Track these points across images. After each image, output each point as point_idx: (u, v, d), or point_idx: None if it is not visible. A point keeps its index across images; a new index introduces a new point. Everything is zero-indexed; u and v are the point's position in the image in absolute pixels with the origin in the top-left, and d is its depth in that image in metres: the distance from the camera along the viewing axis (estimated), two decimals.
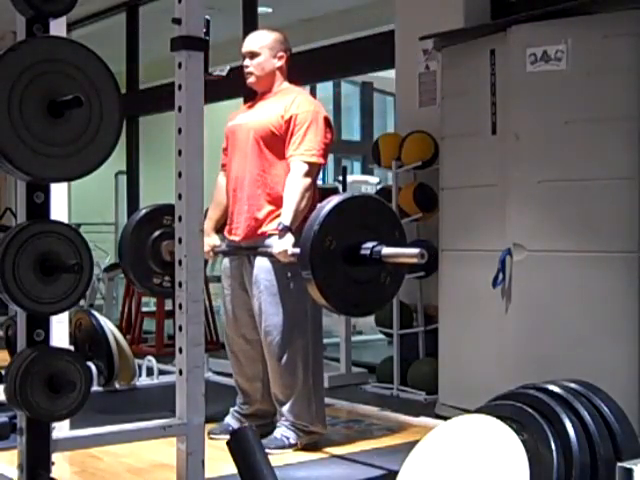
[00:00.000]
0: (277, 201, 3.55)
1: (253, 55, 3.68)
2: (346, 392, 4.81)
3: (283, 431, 3.62)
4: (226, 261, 3.80)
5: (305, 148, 3.51)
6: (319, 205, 2.91)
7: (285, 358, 3.58)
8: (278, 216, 3.51)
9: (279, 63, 3.69)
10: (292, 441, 3.61)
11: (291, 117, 3.54)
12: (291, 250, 3.32)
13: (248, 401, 3.81)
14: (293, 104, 3.57)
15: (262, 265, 3.57)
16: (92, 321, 4.86)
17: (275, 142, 3.56)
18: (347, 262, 2.85)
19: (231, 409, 3.87)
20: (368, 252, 2.83)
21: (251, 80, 3.71)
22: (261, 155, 3.59)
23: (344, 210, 2.88)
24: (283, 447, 3.58)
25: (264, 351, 3.63)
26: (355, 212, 2.91)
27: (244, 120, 3.71)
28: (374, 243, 2.84)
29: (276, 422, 3.70)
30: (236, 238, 3.65)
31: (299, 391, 3.60)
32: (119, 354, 4.83)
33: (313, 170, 3.52)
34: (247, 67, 3.70)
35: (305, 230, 2.84)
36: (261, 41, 3.69)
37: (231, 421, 3.81)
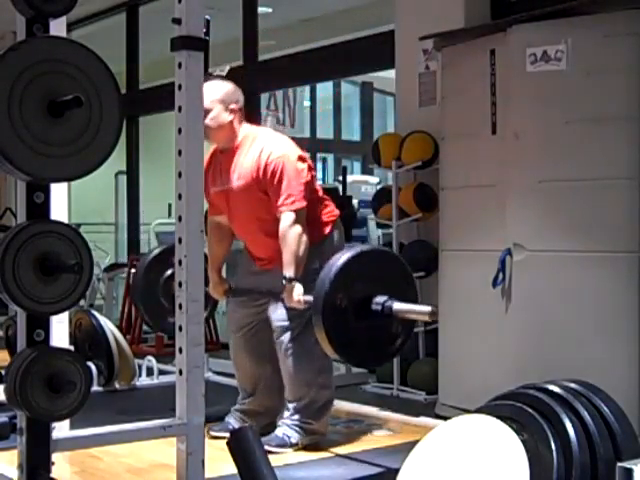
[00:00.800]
0: None
1: (205, 113, 3.53)
2: (346, 392, 4.80)
3: (285, 430, 3.63)
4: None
5: (284, 198, 3.49)
6: (330, 261, 2.97)
7: (296, 358, 3.58)
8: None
9: (232, 115, 3.60)
10: (293, 440, 3.61)
11: (265, 171, 3.50)
12: (303, 298, 3.37)
13: (250, 395, 3.81)
14: (262, 155, 3.52)
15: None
16: (92, 321, 4.86)
17: (260, 190, 3.55)
18: (358, 317, 2.93)
19: (232, 408, 3.87)
20: (379, 308, 2.91)
21: (208, 137, 3.54)
22: (255, 209, 3.60)
23: (354, 265, 2.93)
24: (284, 446, 3.58)
25: (276, 350, 3.64)
26: (365, 266, 2.97)
27: (224, 186, 3.65)
28: (385, 298, 2.91)
29: (278, 421, 3.70)
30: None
31: (308, 391, 3.60)
32: (119, 354, 4.83)
33: (299, 215, 3.51)
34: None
35: (317, 287, 2.91)
36: (211, 97, 3.53)
37: (232, 420, 3.81)
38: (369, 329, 2.98)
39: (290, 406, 3.64)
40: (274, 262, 3.59)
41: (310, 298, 3.09)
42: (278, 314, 3.60)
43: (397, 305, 2.92)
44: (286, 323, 3.59)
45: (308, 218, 3.54)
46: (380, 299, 2.92)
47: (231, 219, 3.73)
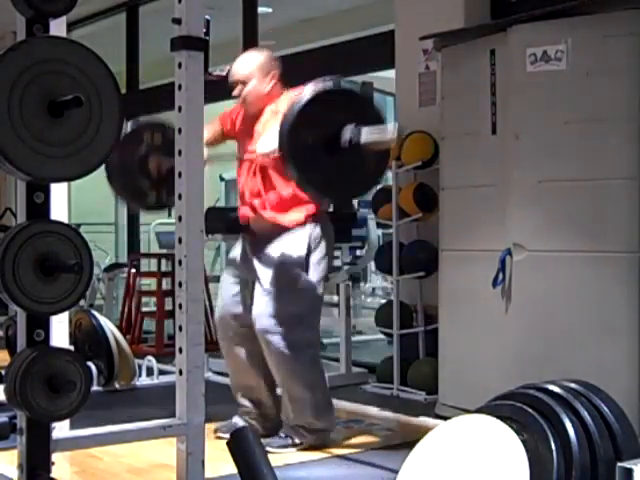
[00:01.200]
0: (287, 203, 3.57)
1: (241, 84, 3.61)
2: (346, 392, 4.81)
3: (287, 430, 3.63)
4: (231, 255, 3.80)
5: None
6: (291, 103, 2.94)
7: (286, 357, 3.57)
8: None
9: (269, 86, 3.61)
10: (296, 440, 3.61)
11: None
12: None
13: (253, 401, 3.80)
14: None
15: (265, 264, 3.58)
16: (92, 321, 4.86)
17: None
18: (329, 153, 2.91)
19: (239, 409, 3.86)
20: (347, 139, 2.88)
21: (245, 106, 3.63)
22: (265, 178, 3.59)
23: (316, 104, 2.90)
24: (287, 446, 3.58)
25: (264, 351, 3.62)
26: (327, 103, 2.93)
27: (244, 145, 3.69)
28: (350, 133, 2.88)
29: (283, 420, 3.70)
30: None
31: (302, 390, 3.59)
32: (119, 354, 4.83)
33: None
34: (238, 94, 3.62)
35: (281, 129, 2.87)
36: (249, 67, 3.60)
37: (238, 420, 3.78)
38: (341, 161, 2.96)
39: (286, 407, 3.64)
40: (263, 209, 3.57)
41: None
42: (265, 311, 3.56)
43: (364, 136, 2.89)
44: (273, 321, 3.55)
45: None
46: (347, 133, 2.89)
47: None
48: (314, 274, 3.59)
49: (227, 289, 3.76)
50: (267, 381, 3.73)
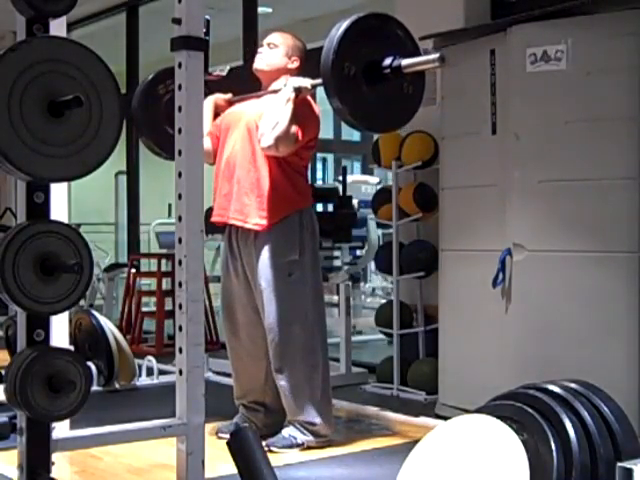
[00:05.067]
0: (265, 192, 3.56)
1: (271, 46, 3.72)
2: (346, 392, 4.80)
3: (291, 430, 3.62)
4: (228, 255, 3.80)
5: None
6: (330, 34, 3.08)
7: (286, 358, 3.58)
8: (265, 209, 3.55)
9: (290, 65, 3.71)
10: (299, 441, 3.60)
11: None
12: (310, 82, 3.46)
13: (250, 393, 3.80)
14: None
15: (264, 261, 3.57)
16: (92, 321, 4.86)
17: None
18: (370, 82, 3.03)
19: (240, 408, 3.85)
20: (388, 66, 3.03)
21: (258, 65, 3.71)
22: (252, 143, 3.59)
23: (355, 34, 3.01)
24: (291, 446, 3.58)
25: (268, 349, 3.62)
26: (366, 32, 3.05)
27: (239, 109, 3.74)
28: (391, 58, 3.03)
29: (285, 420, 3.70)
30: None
31: (303, 391, 3.59)
32: (119, 354, 4.83)
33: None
34: (260, 53, 3.72)
35: (323, 59, 3.03)
36: (284, 39, 3.73)
37: (240, 421, 3.78)
38: (382, 91, 3.09)
39: (288, 408, 3.63)
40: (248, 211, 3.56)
41: (319, 80, 3.18)
42: (269, 311, 3.56)
43: (405, 60, 3.04)
44: (275, 320, 3.55)
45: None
46: (387, 60, 3.05)
47: (222, 146, 3.73)
48: (309, 266, 3.62)
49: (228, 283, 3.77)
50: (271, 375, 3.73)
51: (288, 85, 3.49)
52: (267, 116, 3.48)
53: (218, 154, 3.72)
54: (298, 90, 3.47)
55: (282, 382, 3.60)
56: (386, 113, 3.17)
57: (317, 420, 3.61)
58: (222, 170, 3.67)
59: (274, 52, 3.70)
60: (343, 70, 2.98)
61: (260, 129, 3.49)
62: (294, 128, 3.46)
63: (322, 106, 3.70)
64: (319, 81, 3.24)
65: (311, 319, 3.62)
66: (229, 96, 3.83)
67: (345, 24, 3.01)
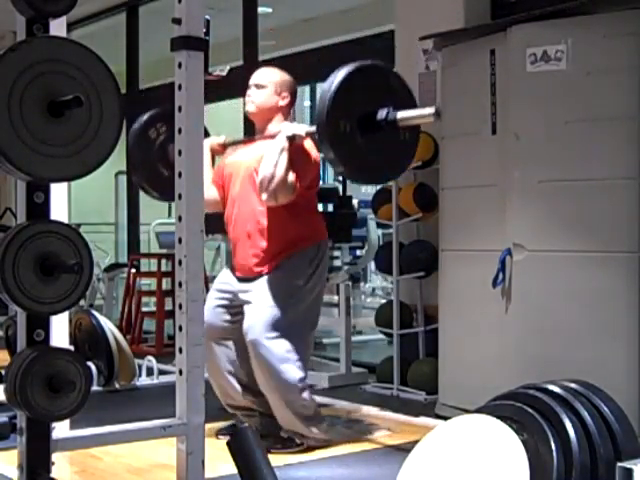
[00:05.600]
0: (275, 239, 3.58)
1: (258, 87, 3.68)
2: (346, 392, 4.81)
3: (288, 431, 3.61)
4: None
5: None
6: (324, 87, 3.03)
7: (272, 365, 3.53)
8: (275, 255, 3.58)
9: (281, 102, 3.68)
10: (298, 441, 3.60)
11: None
12: (304, 129, 3.45)
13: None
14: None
15: (261, 285, 3.59)
16: (92, 321, 4.86)
17: None
18: (365, 133, 3.01)
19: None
20: (383, 118, 3.00)
21: (250, 108, 3.70)
22: (255, 191, 3.58)
23: (350, 83, 2.99)
24: (291, 447, 3.58)
25: (252, 362, 3.58)
26: (360, 85, 3.03)
27: (237, 158, 3.73)
28: (386, 111, 2.99)
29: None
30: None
31: (290, 400, 3.55)
32: (119, 354, 4.83)
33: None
34: (249, 96, 3.69)
35: (318, 111, 2.98)
36: (271, 77, 3.69)
37: (240, 422, 3.77)
38: (377, 143, 3.06)
39: (278, 417, 3.62)
40: (259, 264, 3.59)
41: (313, 128, 3.15)
42: (251, 320, 3.55)
43: (400, 113, 3.00)
44: (264, 332, 3.52)
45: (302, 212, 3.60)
46: (382, 112, 3.00)
47: (227, 196, 3.74)
48: (311, 293, 3.64)
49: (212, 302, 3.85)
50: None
51: (281, 134, 3.47)
52: (263, 167, 3.46)
53: (227, 204, 3.74)
54: (292, 138, 3.46)
55: (266, 392, 3.59)
56: (384, 164, 3.14)
57: (307, 432, 3.60)
58: (232, 222, 3.70)
59: (262, 92, 3.67)
60: (339, 127, 2.94)
61: (257, 180, 3.49)
62: (291, 177, 3.45)
63: None
64: (313, 129, 3.22)
65: (302, 332, 3.62)
66: (223, 139, 3.81)
67: (339, 78, 2.97)
